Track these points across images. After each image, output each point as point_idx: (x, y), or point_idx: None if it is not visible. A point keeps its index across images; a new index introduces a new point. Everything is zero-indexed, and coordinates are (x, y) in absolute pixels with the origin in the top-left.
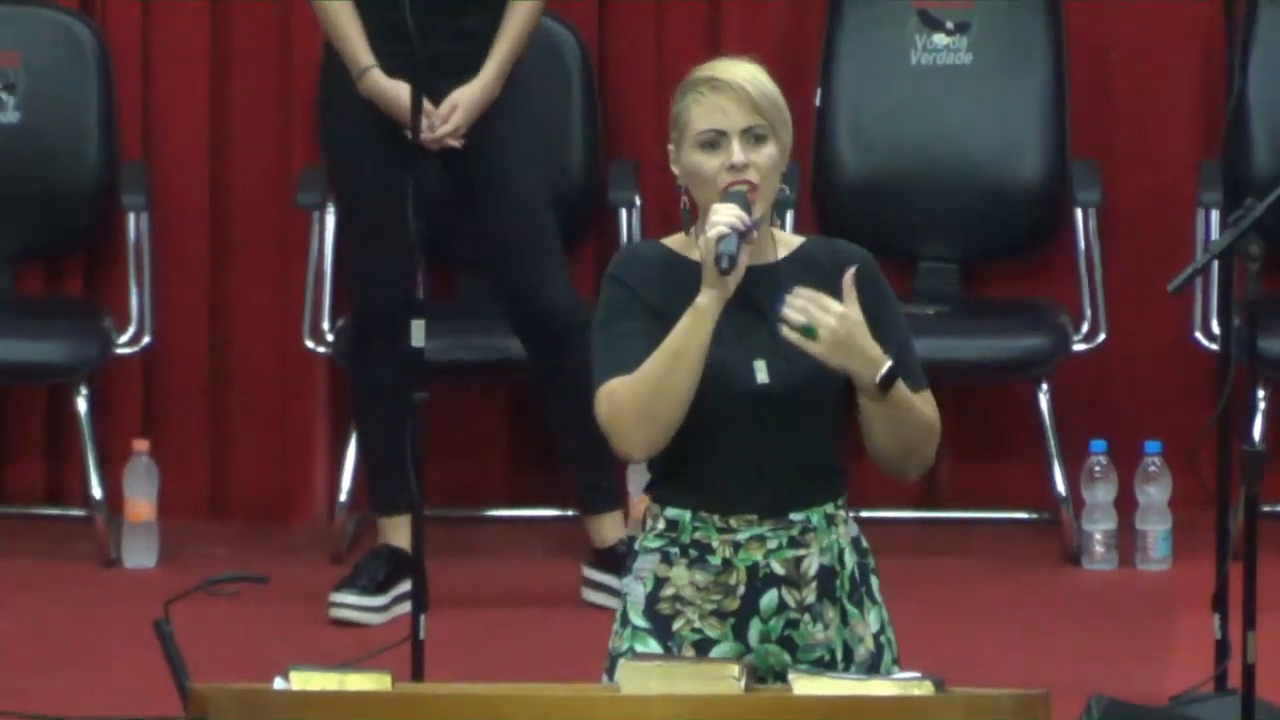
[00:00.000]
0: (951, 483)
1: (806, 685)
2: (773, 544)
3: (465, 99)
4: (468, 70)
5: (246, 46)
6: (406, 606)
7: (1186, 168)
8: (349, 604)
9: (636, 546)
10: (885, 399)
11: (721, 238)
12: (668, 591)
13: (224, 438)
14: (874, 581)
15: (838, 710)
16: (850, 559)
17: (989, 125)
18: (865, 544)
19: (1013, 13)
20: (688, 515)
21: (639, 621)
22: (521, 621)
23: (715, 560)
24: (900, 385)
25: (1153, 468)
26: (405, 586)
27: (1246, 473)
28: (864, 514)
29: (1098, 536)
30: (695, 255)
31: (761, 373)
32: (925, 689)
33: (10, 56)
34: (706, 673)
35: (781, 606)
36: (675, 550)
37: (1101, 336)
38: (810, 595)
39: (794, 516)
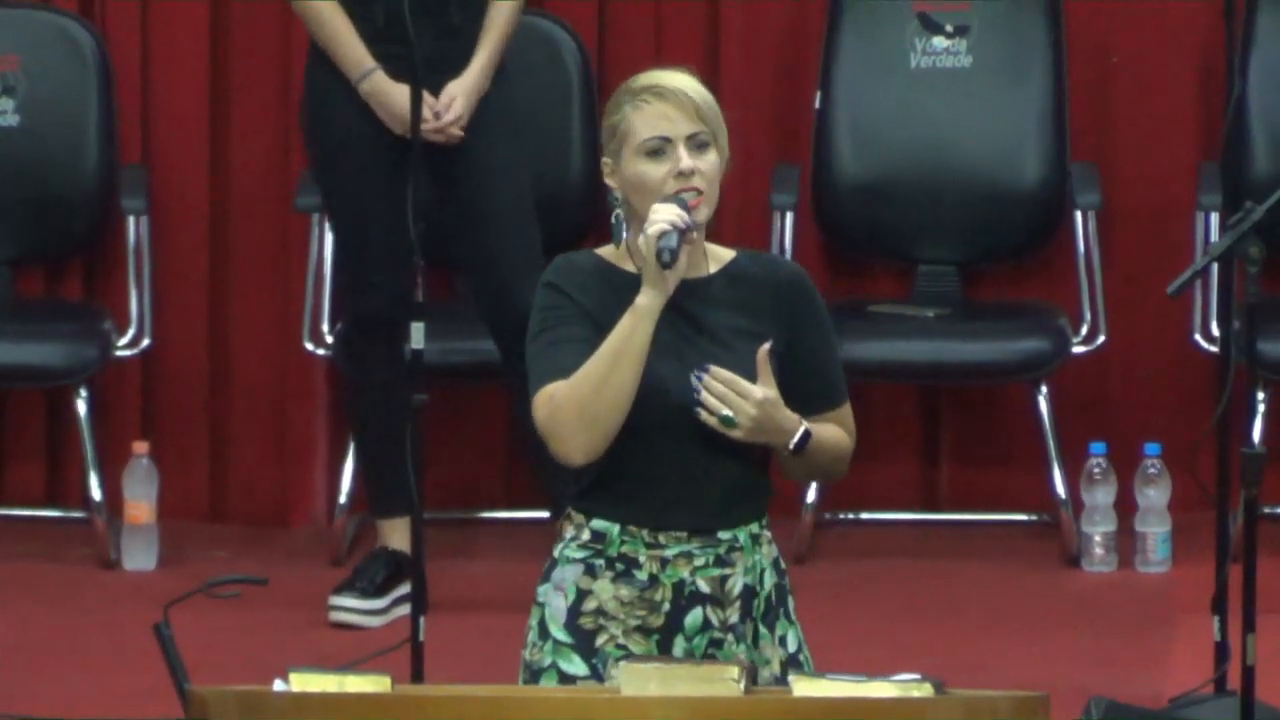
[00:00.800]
0: (951, 485)
1: (806, 687)
2: (700, 561)
3: (462, 89)
4: (455, 68)
5: (246, 49)
6: (406, 609)
7: (1186, 170)
8: (348, 607)
9: (556, 555)
10: (799, 456)
11: (662, 234)
12: (590, 605)
13: (224, 440)
14: (791, 602)
15: (837, 712)
16: (770, 580)
17: (989, 128)
18: (783, 565)
19: (1012, 15)
20: (616, 529)
21: (560, 635)
22: (520, 624)
23: (641, 575)
24: (812, 440)
25: (1152, 470)
26: (404, 589)
27: (1246, 475)
28: (863, 515)
29: (1097, 538)
30: (628, 266)
31: (697, 387)
32: (924, 691)
33: (9, 60)
34: (705, 674)
35: (705, 625)
36: (600, 563)
37: (1101, 339)
38: (734, 615)
39: (722, 535)
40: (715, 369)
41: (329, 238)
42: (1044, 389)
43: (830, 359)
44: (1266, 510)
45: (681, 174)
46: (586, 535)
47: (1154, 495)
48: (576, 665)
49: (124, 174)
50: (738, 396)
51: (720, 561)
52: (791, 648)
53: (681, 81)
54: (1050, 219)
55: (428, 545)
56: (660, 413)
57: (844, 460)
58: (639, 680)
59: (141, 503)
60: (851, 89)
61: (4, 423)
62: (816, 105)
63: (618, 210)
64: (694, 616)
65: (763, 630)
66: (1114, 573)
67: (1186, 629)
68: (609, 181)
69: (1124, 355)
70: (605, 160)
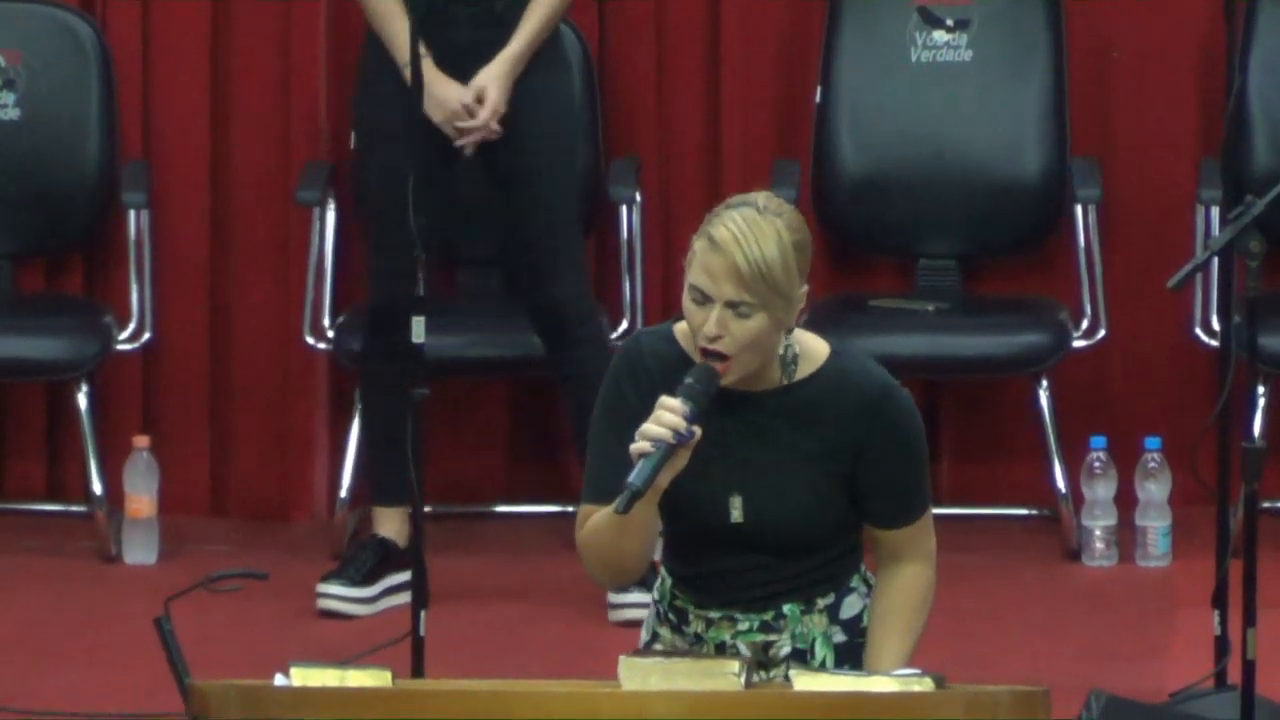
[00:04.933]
0: (951, 479)
1: (807, 682)
2: (743, 626)
3: (491, 78)
4: (495, 57)
5: (246, 44)
6: (396, 599)
7: (1186, 164)
8: (335, 594)
9: (653, 593)
10: None
11: (642, 455)
12: (657, 647)
13: (224, 434)
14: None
15: (838, 707)
16: (822, 649)
17: (989, 122)
18: (867, 620)
19: (1013, 9)
20: (670, 582)
21: None
22: (521, 618)
23: (689, 631)
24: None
25: (1152, 464)
26: (395, 578)
27: (1246, 469)
28: None
29: (1098, 533)
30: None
31: (736, 510)
32: (925, 685)
33: (11, 54)
34: (707, 669)
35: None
36: (662, 610)
37: (1101, 333)
38: (779, 676)
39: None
40: None
41: (330, 232)
42: (1044, 383)
43: (903, 480)
44: (1267, 505)
45: (705, 336)
46: (659, 579)
47: (1154, 489)
48: None
49: (125, 168)
50: None
51: (766, 627)
52: None
53: (741, 235)
54: (1051, 213)
55: (428, 539)
56: (699, 533)
57: (930, 603)
58: (640, 675)
59: (142, 497)
60: (852, 84)
61: (5, 417)
62: (817, 100)
63: None
64: None
65: None
66: (1114, 567)
67: (1187, 623)
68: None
69: (1124, 349)
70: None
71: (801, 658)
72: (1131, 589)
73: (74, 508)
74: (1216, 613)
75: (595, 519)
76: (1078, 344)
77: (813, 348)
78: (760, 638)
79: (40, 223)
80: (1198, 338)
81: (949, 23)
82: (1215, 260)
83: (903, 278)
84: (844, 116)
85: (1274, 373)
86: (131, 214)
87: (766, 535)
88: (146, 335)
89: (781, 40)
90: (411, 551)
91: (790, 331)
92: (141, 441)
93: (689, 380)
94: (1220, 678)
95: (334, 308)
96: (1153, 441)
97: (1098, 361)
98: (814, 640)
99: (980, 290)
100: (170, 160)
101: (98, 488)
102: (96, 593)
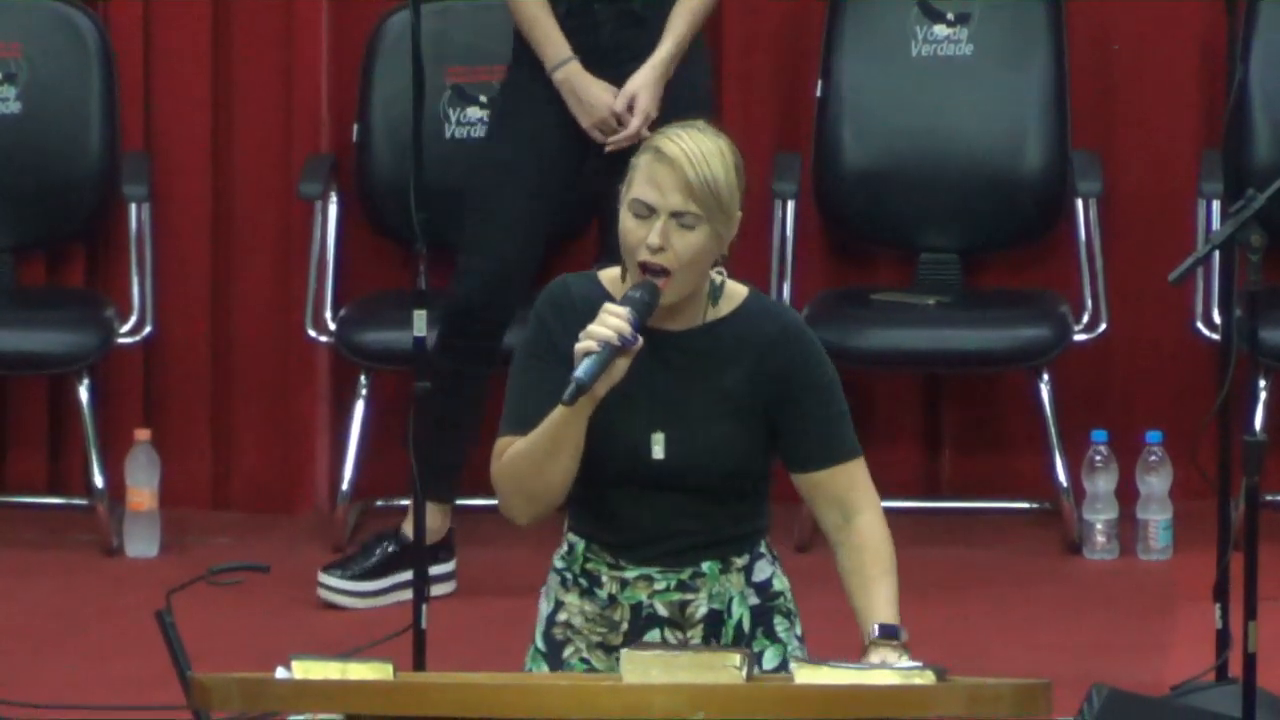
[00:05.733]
0: (952, 472)
1: (808, 675)
2: (660, 585)
3: (644, 84)
4: (637, 57)
5: (248, 36)
6: (401, 596)
7: (1187, 158)
8: (336, 585)
9: (555, 562)
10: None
11: (587, 354)
12: (562, 616)
13: (226, 427)
14: (777, 621)
15: (839, 699)
16: (739, 608)
17: (990, 116)
18: (778, 585)
19: (1014, 3)
20: (582, 545)
21: (538, 642)
22: (524, 610)
23: (602, 594)
24: (895, 622)
25: (1154, 457)
26: (402, 576)
27: (1247, 462)
28: None
29: (1099, 526)
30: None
31: (658, 447)
32: (927, 678)
33: (12, 47)
34: (708, 662)
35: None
36: (570, 576)
37: (1102, 326)
38: (696, 637)
39: (685, 565)
40: None
41: (331, 225)
42: (1045, 376)
43: (826, 417)
44: (1268, 498)
45: (648, 247)
46: (565, 547)
47: (1155, 483)
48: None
49: (126, 161)
50: None
51: (683, 586)
52: (769, 665)
53: (691, 151)
54: (1052, 207)
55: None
56: (619, 471)
57: (892, 545)
58: (641, 668)
59: (143, 489)
60: (853, 77)
61: (6, 410)
62: (818, 93)
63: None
64: (651, 637)
65: None
66: (1115, 560)
67: (1188, 616)
68: (620, 207)
69: (1125, 343)
70: (621, 188)
71: (718, 619)
72: (1132, 582)
73: (75, 501)
74: (1218, 606)
75: (518, 445)
76: (1079, 338)
77: (733, 288)
78: (677, 597)
79: (41, 216)
80: (1199, 331)
81: (950, 17)
82: (1216, 254)
83: (904, 271)
84: (845, 110)
85: (1275, 366)
86: (133, 207)
87: (688, 473)
88: (148, 328)
89: (782, 34)
90: (414, 543)
91: (725, 258)
92: (143, 434)
93: (630, 291)
94: (1221, 671)
95: (335, 301)
96: (1154, 435)
97: (1099, 355)
98: (731, 600)
99: (981, 284)
100: (172, 153)
101: (99, 480)
102: (98, 585)
